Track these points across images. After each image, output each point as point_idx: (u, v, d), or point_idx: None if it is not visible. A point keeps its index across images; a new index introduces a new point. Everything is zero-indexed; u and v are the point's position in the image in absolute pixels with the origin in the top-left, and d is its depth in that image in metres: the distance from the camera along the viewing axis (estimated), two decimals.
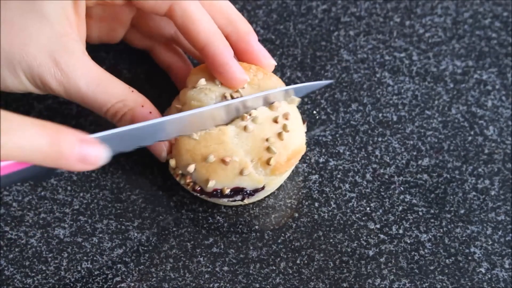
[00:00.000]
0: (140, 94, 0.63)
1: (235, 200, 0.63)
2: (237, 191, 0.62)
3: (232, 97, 0.62)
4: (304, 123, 0.65)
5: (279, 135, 0.61)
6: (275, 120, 0.62)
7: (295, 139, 0.62)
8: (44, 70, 0.60)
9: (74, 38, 0.61)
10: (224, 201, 0.63)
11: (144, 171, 0.67)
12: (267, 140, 0.61)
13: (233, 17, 0.64)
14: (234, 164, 0.61)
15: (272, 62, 0.65)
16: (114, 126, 0.69)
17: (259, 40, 0.65)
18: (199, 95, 0.62)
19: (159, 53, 0.70)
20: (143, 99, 0.63)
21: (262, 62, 0.64)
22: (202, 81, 0.63)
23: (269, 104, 0.63)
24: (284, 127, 0.62)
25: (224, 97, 0.62)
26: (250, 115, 0.62)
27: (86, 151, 0.55)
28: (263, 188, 0.62)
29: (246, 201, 0.63)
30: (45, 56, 0.60)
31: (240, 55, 0.65)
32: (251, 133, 0.61)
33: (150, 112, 0.62)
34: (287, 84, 0.66)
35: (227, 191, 0.62)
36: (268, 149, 0.61)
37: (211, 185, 0.61)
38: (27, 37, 0.60)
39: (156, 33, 0.68)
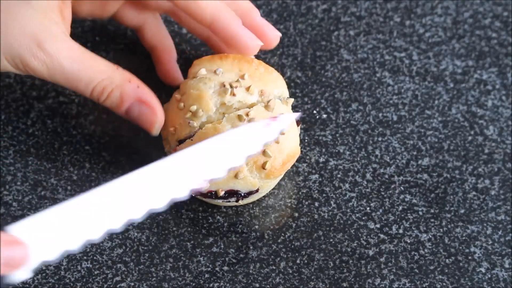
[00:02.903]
0: (125, 70, 0.62)
1: (229, 201, 0.63)
2: (231, 193, 0.62)
3: (231, 86, 0.62)
4: (298, 124, 0.64)
5: None
6: None
7: (290, 142, 0.62)
8: (25, 51, 0.60)
9: (57, 21, 0.61)
10: (219, 202, 0.63)
11: None
12: None
13: None
14: None
15: (277, 34, 0.65)
16: (114, 126, 0.69)
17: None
18: (198, 84, 0.63)
19: (147, 33, 0.69)
20: (129, 75, 0.62)
21: (267, 34, 0.65)
22: (203, 71, 0.63)
23: (265, 103, 0.63)
24: None
25: (223, 86, 0.62)
26: (247, 115, 0.61)
27: (10, 254, 0.51)
28: (257, 190, 0.62)
29: (241, 202, 0.64)
30: (27, 38, 0.60)
31: None
32: None
33: (138, 87, 0.62)
34: (287, 83, 0.66)
35: (222, 193, 0.62)
36: (264, 152, 0.61)
37: (206, 187, 0.61)
38: (10, 19, 0.60)
39: (154, 5, 0.67)
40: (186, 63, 0.71)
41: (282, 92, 0.64)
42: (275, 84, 0.64)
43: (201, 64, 0.64)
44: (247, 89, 0.62)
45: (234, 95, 0.62)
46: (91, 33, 0.73)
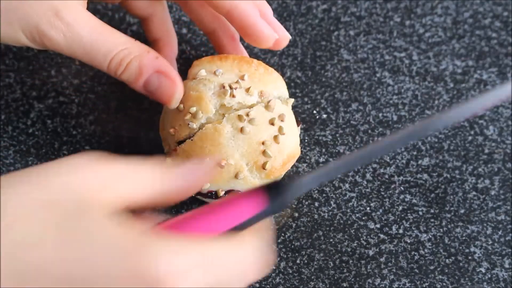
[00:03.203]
0: (143, 43, 0.61)
1: None
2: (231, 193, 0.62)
3: (231, 87, 0.62)
4: (298, 125, 0.64)
5: (275, 138, 0.61)
6: (272, 122, 0.62)
7: (290, 142, 0.62)
8: (43, 22, 0.59)
9: None
10: None
11: None
12: (263, 143, 0.61)
13: None
14: (229, 168, 0.61)
15: (287, 35, 0.65)
16: (114, 126, 0.69)
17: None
18: (198, 86, 0.63)
19: (153, 24, 0.69)
20: (147, 46, 0.61)
21: (278, 33, 0.64)
22: (202, 72, 0.63)
23: (265, 103, 0.62)
24: (280, 130, 0.62)
25: (223, 87, 0.62)
26: (247, 115, 0.61)
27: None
28: None
29: None
30: (45, 7, 0.59)
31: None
32: (247, 135, 0.61)
33: (157, 58, 0.61)
34: (287, 83, 0.66)
35: (222, 193, 0.62)
36: (264, 152, 0.61)
37: (206, 187, 0.61)
38: None
39: None
40: (186, 63, 0.71)
41: (281, 92, 0.64)
42: (274, 85, 0.64)
43: (201, 65, 0.64)
44: (247, 90, 0.62)
45: (233, 96, 0.62)
46: None
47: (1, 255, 0.45)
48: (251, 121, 0.61)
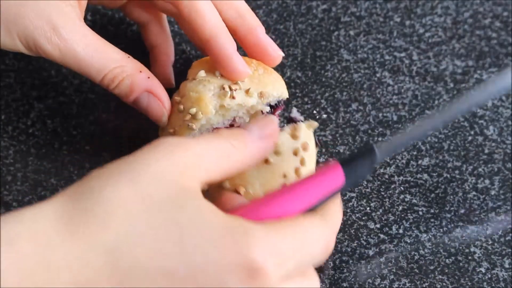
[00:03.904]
0: (136, 60, 0.63)
1: None
2: None
3: (231, 89, 0.62)
4: (316, 146, 0.63)
5: (297, 170, 0.60)
6: (295, 152, 0.60)
7: (308, 172, 0.61)
8: (39, 33, 0.60)
9: (73, 5, 0.61)
10: None
11: None
12: (284, 175, 0.60)
13: (241, 10, 0.65)
14: (247, 196, 0.60)
15: (280, 54, 0.66)
16: (114, 126, 0.69)
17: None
18: (198, 87, 0.62)
19: (150, 32, 0.70)
20: (140, 65, 0.63)
21: (270, 54, 0.65)
22: (202, 73, 0.63)
23: (291, 128, 0.61)
24: (302, 162, 0.60)
25: (222, 88, 0.62)
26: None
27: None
28: None
29: None
30: (42, 20, 0.60)
31: (248, 48, 0.65)
32: (271, 166, 0.60)
33: (148, 77, 0.63)
34: (287, 83, 0.66)
35: None
36: (283, 185, 0.60)
37: None
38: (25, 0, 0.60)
39: (160, 6, 0.68)
40: (186, 63, 0.71)
41: (281, 93, 0.64)
42: (274, 86, 0.64)
43: (201, 65, 0.64)
44: (246, 92, 0.62)
45: (233, 98, 0.62)
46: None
47: (104, 256, 0.46)
48: (277, 152, 0.60)
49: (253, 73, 0.63)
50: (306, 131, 0.62)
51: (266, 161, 0.60)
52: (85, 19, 0.72)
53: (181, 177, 0.49)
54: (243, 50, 0.65)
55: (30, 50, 0.62)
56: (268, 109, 0.64)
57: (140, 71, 0.63)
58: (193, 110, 0.62)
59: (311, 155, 0.61)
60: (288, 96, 0.65)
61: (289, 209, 0.52)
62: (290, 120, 0.63)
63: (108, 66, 0.62)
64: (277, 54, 0.65)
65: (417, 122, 0.56)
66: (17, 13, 0.60)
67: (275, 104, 0.64)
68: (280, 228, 0.49)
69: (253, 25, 0.65)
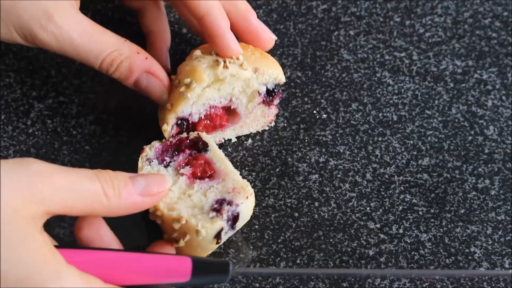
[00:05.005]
0: (133, 43, 0.64)
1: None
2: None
3: (225, 61, 0.63)
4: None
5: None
6: None
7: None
8: (34, 23, 0.61)
9: None
10: None
11: None
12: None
13: None
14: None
15: (272, 37, 0.67)
16: (114, 126, 0.69)
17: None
18: (192, 62, 0.64)
19: (146, 17, 0.70)
20: (137, 47, 0.64)
21: (262, 37, 0.66)
22: (197, 52, 0.65)
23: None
24: None
25: (216, 61, 0.63)
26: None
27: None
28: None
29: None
30: (37, 10, 0.61)
31: (240, 33, 0.66)
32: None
33: (146, 58, 0.64)
34: (287, 83, 0.66)
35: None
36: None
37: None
38: None
39: None
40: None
41: (277, 74, 0.65)
42: (270, 66, 0.64)
43: (198, 48, 0.66)
44: (241, 65, 0.63)
45: (227, 67, 0.63)
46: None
47: None
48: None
49: (250, 55, 0.64)
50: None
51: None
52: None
53: (22, 207, 0.50)
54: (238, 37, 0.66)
55: (27, 40, 0.62)
56: (264, 89, 0.64)
57: (138, 53, 0.64)
58: (187, 80, 0.63)
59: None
60: (284, 80, 0.65)
61: (124, 276, 0.54)
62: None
63: (105, 50, 0.63)
64: (269, 37, 0.66)
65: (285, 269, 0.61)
66: (12, 5, 0.61)
67: (273, 90, 0.65)
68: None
69: (244, 10, 0.66)
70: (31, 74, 0.71)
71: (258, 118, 0.68)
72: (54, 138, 0.68)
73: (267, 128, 0.69)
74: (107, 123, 0.69)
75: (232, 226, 0.59)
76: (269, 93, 0.65)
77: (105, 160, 0.67)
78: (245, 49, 0.65)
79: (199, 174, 0.61)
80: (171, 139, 0.63)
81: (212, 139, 0.64)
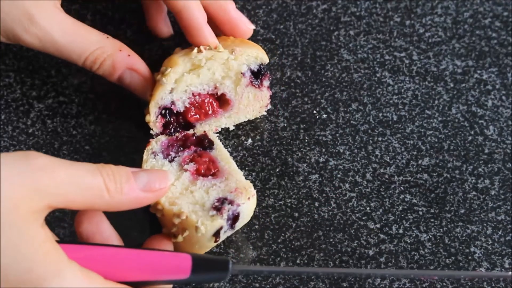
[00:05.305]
0: (115, 39, 0.65)
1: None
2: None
3: (199, 47, 0.64)
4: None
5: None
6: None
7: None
8: (16, 25, 0.61)
9: None
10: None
11: None
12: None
13: None
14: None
15: (250, 27, 0.68)
16: (114, 126, 0.69)
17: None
18: (172, 56, 0.65)
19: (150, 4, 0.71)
20: (120, 44, 0.65)
21: (240, 27, 0.68)
22: (178, 50, 0.66)
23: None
24: None
25: (191, 49, 0.64)
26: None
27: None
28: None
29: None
30: (19, 12, 0.61)
31: (220, 24, 0.67)
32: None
33: (129, 55, 0.65)
34: (286, 83, 0.66)
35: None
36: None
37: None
38: None
39: None
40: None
41: (257, 53, 0.65)
42: (248, 47, 0.65)
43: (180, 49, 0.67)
44: (215, 48, 0.64)
45: (200, 51, 0.64)
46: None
47: None
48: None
49: (230, 44, 0.65)
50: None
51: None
52: (85, 19, 0.73)
53: (23, 201, 0.49)
54: (217, 28, 0.67)
55: (9, 40, 0.63)
56: (246, 69, 0.64)
57: (120, 50, 0.64)
58: (164, 69, 0.64)
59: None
60: (268, 60, 0.65)
61: (124, 272, 0.53)
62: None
63: (88, 49, 0.63)
64: (247, 27, 0.68)
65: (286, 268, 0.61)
66: None
67: (258, 70, 0.65)
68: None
69: (223, 1, 0.67)
70: (31, 74, 0.71)
71: (252, 103, 0.67)
72: (54, 138, 0.68)
73: (264, 113, 0.69)
74: (107, 123, 0.69)
75: (232, 226, 0.59)
76: (256, 74, 0.65)
77: (105, 160, 0.67)
78: (225, 40, 0.66)
79: (203, 172, 0.61)
80: (177, 134, 0.64)
81: (209, 128, 0.65)
